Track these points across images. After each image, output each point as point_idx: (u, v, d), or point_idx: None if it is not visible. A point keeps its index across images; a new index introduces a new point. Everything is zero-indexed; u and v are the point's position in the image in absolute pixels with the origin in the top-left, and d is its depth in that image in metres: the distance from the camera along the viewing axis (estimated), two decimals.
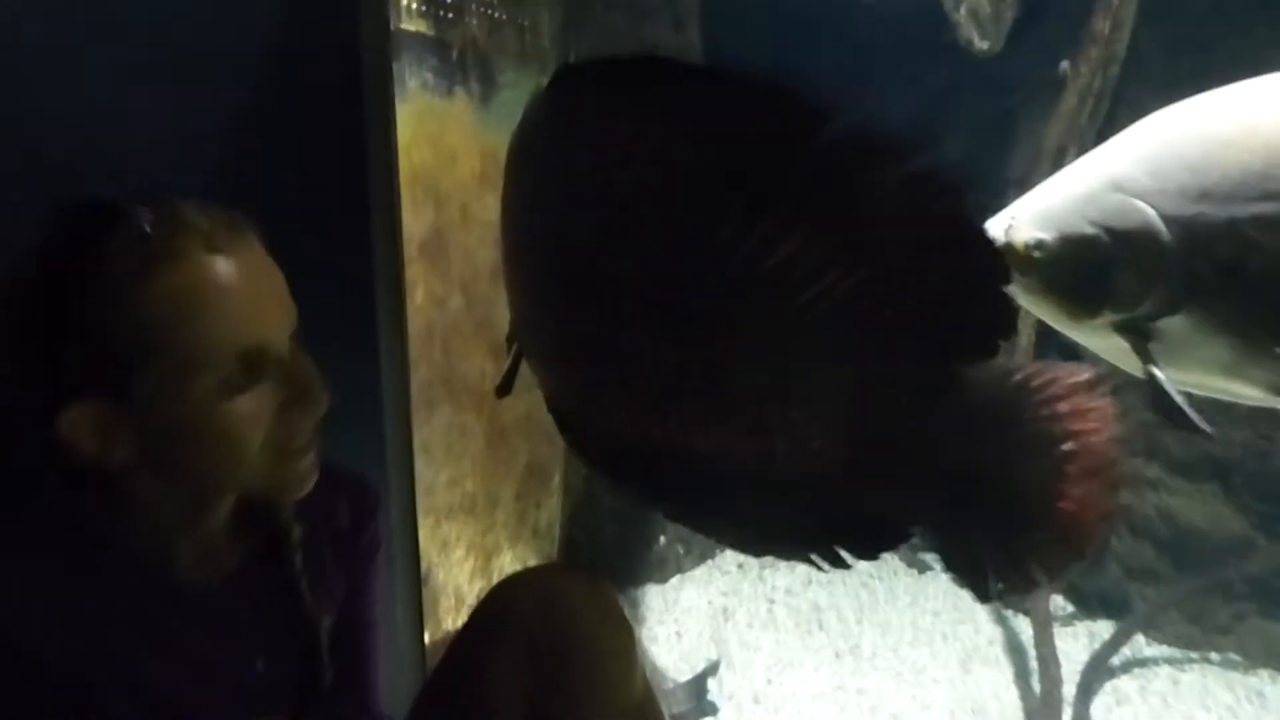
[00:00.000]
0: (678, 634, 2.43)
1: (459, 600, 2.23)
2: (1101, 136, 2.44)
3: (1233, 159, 0.84)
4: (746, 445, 0.76)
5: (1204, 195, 0.86)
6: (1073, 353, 2.41)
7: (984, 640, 2.42)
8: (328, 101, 1.40)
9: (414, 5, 1.74)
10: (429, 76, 1.80)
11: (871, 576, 2.76)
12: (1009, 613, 2.54)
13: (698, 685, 2.14)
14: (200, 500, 0.83)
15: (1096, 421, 0.78)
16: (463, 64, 1.86)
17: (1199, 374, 0.92)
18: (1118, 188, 0.93)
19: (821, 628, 2.46)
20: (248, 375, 0.76)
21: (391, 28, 1.71)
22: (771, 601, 2.57)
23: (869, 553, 0.80)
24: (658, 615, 2.50)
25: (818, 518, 0.79)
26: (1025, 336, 2.41)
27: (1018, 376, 0.79)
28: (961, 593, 2.58)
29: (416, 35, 1.76)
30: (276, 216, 0.85)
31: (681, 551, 2.75)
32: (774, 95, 0.65)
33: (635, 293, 0.73)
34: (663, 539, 2.72)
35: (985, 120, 2.60)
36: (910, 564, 2.85)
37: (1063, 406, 0.78)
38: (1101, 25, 2.23)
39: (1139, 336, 0.86)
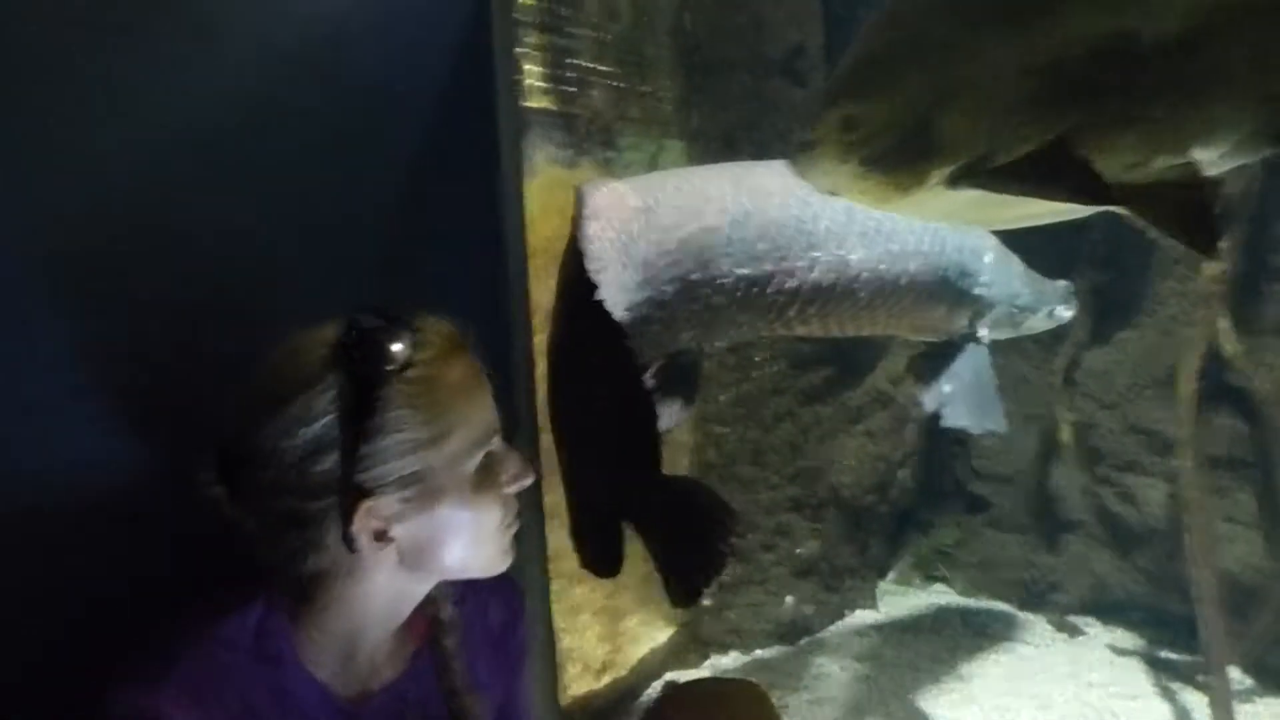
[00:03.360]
0: (811, 702, 2.33)
1: (586, 666, 2.22)
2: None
3: None
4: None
5: None
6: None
7: (1155, 718, 2.21)
8: (466, 186, 1.45)
9: (539, 84, 1.78)
10: (555, 150, 1.84)
11: (1022, 642, 2.58)
12: (1177, 686, 2.32)
13: None
14: (416, 589, 0.89)
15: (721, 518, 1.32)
16: (587, 134, 1.89)
17: (1019, 207, 0.79)
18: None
19: (971, 700, 2.31)
20: (489, 457, 0.86)
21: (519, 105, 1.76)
22: (916, 669, 2.44)
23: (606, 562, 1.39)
24: (789, 680, 2.41)
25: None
26: (1189, 426, 2.21)
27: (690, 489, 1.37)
28: (1125, 663, 2.41)
29: (542, 111, 1.80)
30: (423, 297, 0.92)
31: (809, 612, 2.66)
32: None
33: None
34: (790, 599, 2.64)
35: None
36: (1059, 628, 2.65)
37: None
38: None
39: (977, 178, 0.72)
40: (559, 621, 2.13)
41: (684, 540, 1.34)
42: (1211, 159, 0.71)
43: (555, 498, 2.07)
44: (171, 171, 0.99)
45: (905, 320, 1.57)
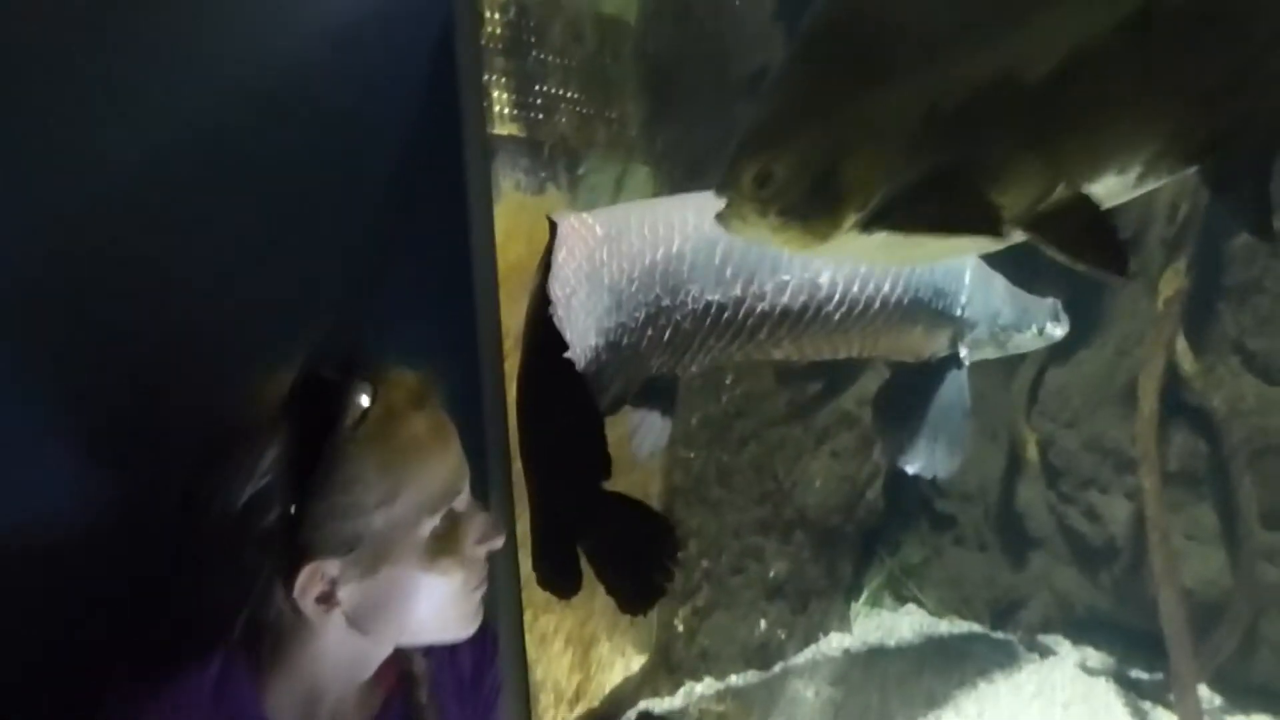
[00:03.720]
0: None
1: (559, 695, 2.18)
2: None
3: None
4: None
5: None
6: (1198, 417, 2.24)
7: None
8: (434, 210, 1.46)
9: (506, 111, 1.78)
10: (521, 177, 1.83)
11: (992, 663, 2.59)
12: (1147, 705, 2.34)
13: None
14: (375, 650, 0.85)
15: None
16: (552, 160, 1.89)
17: (924, 247, 0.83)
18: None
19: None
20: (450, 518, 0.82)
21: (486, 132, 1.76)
22: (886, 692, 2.44)
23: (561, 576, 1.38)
24: (763, 707, 2.39)
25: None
26: (1149, 445, 2.26)
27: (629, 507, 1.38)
28: (1094, 682, 2.43)
29: (509, 139, 1.79)
30: (392, 323, 0.96)
31: (783, 636, 2.65)
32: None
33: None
34: (763, 623, 2.63)
35: None
36: (1029, 647, 2.67)
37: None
38: None
39: (885, 221, 0.76)
40: (530, 652, 2.10)
41: (625, 558, 1.35)
42: (1125, 183, 0.74)
43: (527, 523, 2.05)
44: (138, 201, 0.97)
45: (881, 342, 1.56)
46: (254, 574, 0.76)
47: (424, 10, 1.38)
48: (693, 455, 2.44)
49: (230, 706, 0.80)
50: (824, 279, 1.45)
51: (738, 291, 1.43)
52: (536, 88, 1.82)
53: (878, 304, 1.49)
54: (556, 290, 1.31)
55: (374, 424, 0.78)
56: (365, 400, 0.78)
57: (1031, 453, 2.66)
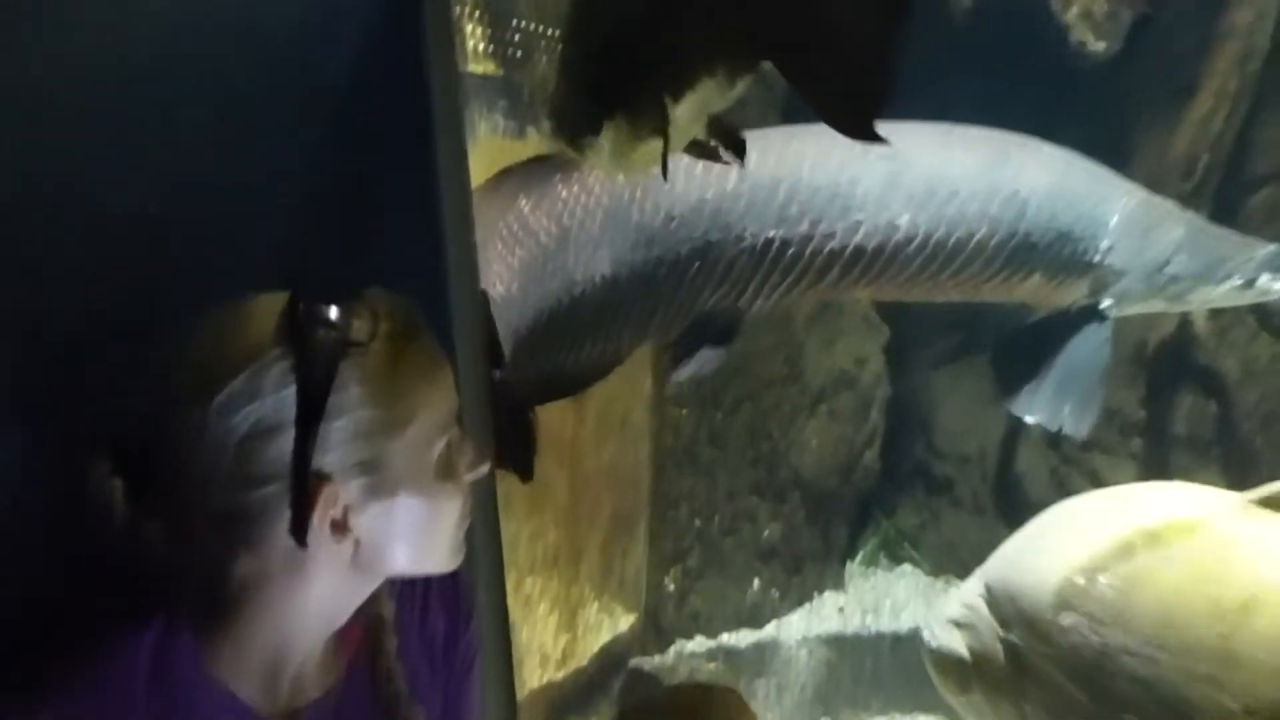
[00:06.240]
0: (778, 688, 2.29)
1: (544, 658, 2.15)
2: (1240, 142, 2.21)
3: None
4: None
5: None
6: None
7: None
8: (399, 153, 1.37)
9: (481, 46, 1.68)
10: (500, 119, 1.74)
11: None
12: None
13: None
14: (359, 591, 0.81)
15: None
16: (534, 104, 1.80)
17: (630, 159, 1.03)
18: None
19: (932, 681, 2.27)
20: (452, 441, 0.80)
21: (459, 70, 1.66)
22: (880, 653, 2.40)
23: None
24: (754, 667, 2.36)
25: None
26: None
27: None
28: None
29: (485, 78, 1.70)
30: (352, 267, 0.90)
31: (777, 596, 2.61)
32: None
33: None
34: (756, 582, 2.59)
35: (1100, 130, 2.37)
36: None
37: None
38: (1242, 17, 2.00)
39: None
40: (514, 615, 2.07)
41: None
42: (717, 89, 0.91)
43: (511, 485, 2.00)
44: (76, 144, 0.89)
45: (986, 289, 1.47)
46: (248, 513, 0.71)
47: None
48: (685, 415, 2.38)
49: (172, 679, 0.73)
50: (903, 220, 1.40)
51: (804, 229, 1.41)
52: (514, 23, 1.72)
53: (969, 250, 1.40)
54: (548, 223, 1.40)
55: (382, 345, 0.75)
56: (368, 320, 0.74)
57: None
